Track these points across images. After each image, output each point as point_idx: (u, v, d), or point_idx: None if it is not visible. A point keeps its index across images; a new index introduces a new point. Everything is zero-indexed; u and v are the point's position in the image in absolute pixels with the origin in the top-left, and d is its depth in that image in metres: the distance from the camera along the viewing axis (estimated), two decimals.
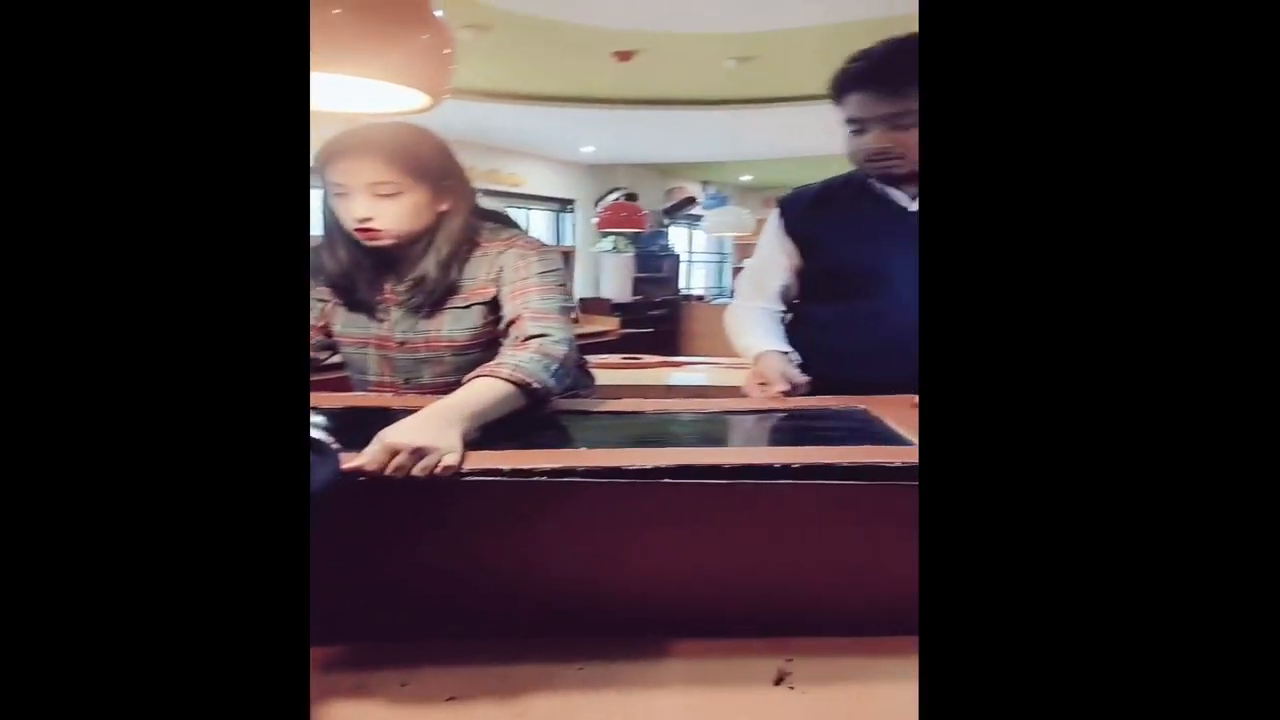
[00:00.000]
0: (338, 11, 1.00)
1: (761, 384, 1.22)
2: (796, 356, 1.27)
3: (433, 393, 1.05)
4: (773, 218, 1.37)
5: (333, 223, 1.15)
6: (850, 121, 1.21)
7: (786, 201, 1.38)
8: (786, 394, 1.18)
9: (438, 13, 1.12)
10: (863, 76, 1.18)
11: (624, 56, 3.08)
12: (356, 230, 1.10)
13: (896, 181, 1.25)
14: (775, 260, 1.36)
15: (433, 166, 1.11)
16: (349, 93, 1.22)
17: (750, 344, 1.32)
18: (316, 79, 1.13)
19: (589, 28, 2.85)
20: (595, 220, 5.08)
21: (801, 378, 1.21)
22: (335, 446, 0.74)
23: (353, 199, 1.07)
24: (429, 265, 1.13)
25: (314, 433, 0.74)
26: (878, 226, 1.26)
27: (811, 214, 1.34)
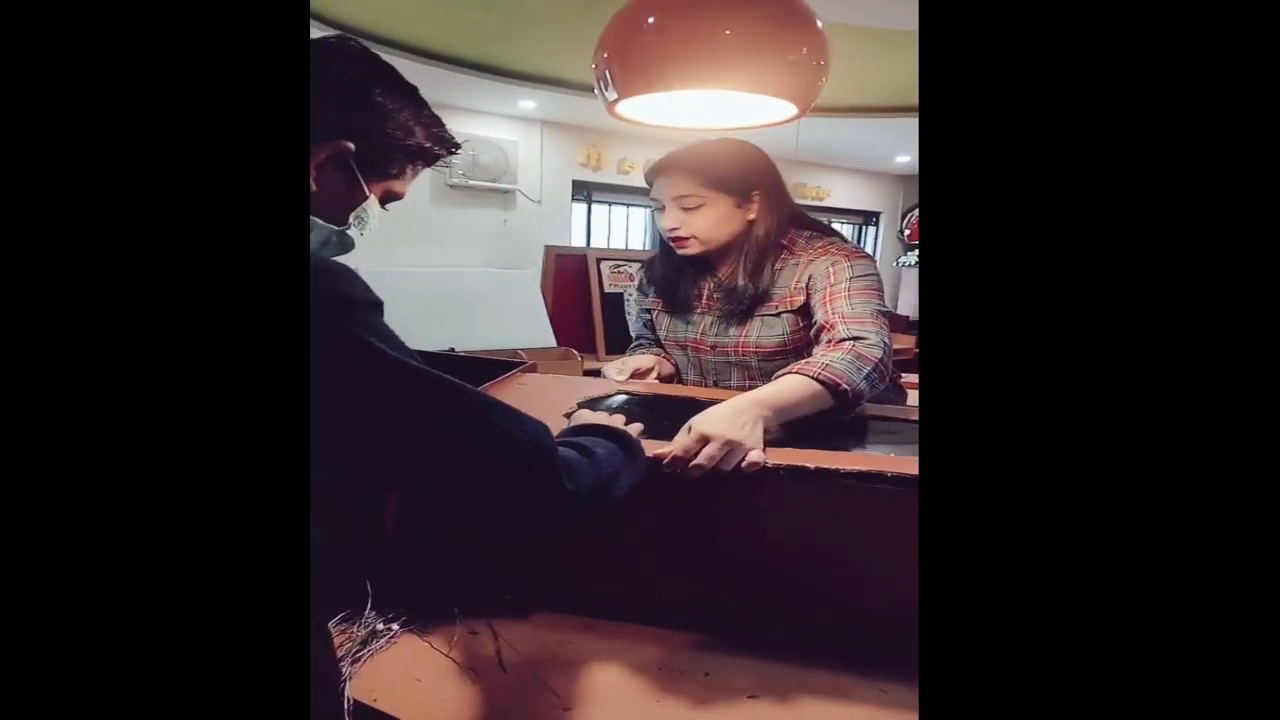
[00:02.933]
0: (729, 32, 1.05)
1: None
2: None
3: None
4: None
5: (657, 235, 1.27)
6: None
7: None
8: None
9: (819, 23, 1.12)
10: None
11: None
12: (670, 240, 1.20)
13: None
14: None
15: (736, 179, 1.17)
16: (716, 108, 1.29)
17: None
18: (694, 96, 1.21)
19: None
20: (906, 233, 4.83)
21: None
22: (640, 439, 0.76)
23: (665, 212, 1.18)
24: (738, 273, 1.19)
25: (627, 428, 0.77)
26: None
27: None
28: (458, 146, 0.74)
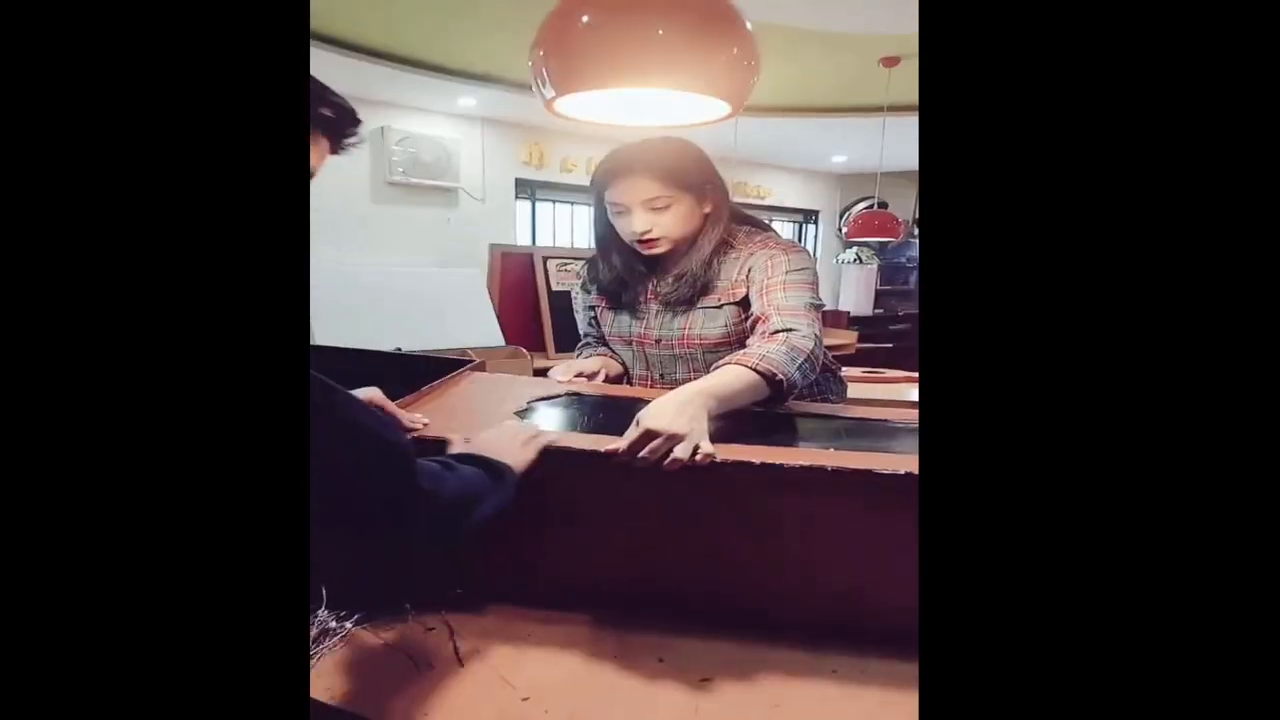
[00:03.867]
0: (661, 31, 1.08)
1: None
2: None
3: None
4: None
5: (609, 236, 1.27)
6: None
7: None
8: None
9: (748, 24, 1.16)
10: None
11: (891, 62, 2.98)
12: (638, 242, 1.21)
13: None
14: None
15: (695, 175, 1.20)
16: (652, 107, 1.32)
17: None
18: (630, 95, 1.23)
19: (853, 35, 2.79)
20: (844, 230, 4.95)
21: None
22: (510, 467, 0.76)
23: (632, 215, 1.19)
24: (691, 262, 1.21)
25: (490, 454, 0.76)
26: None
27: None
28: (352, 128, 0.67)
